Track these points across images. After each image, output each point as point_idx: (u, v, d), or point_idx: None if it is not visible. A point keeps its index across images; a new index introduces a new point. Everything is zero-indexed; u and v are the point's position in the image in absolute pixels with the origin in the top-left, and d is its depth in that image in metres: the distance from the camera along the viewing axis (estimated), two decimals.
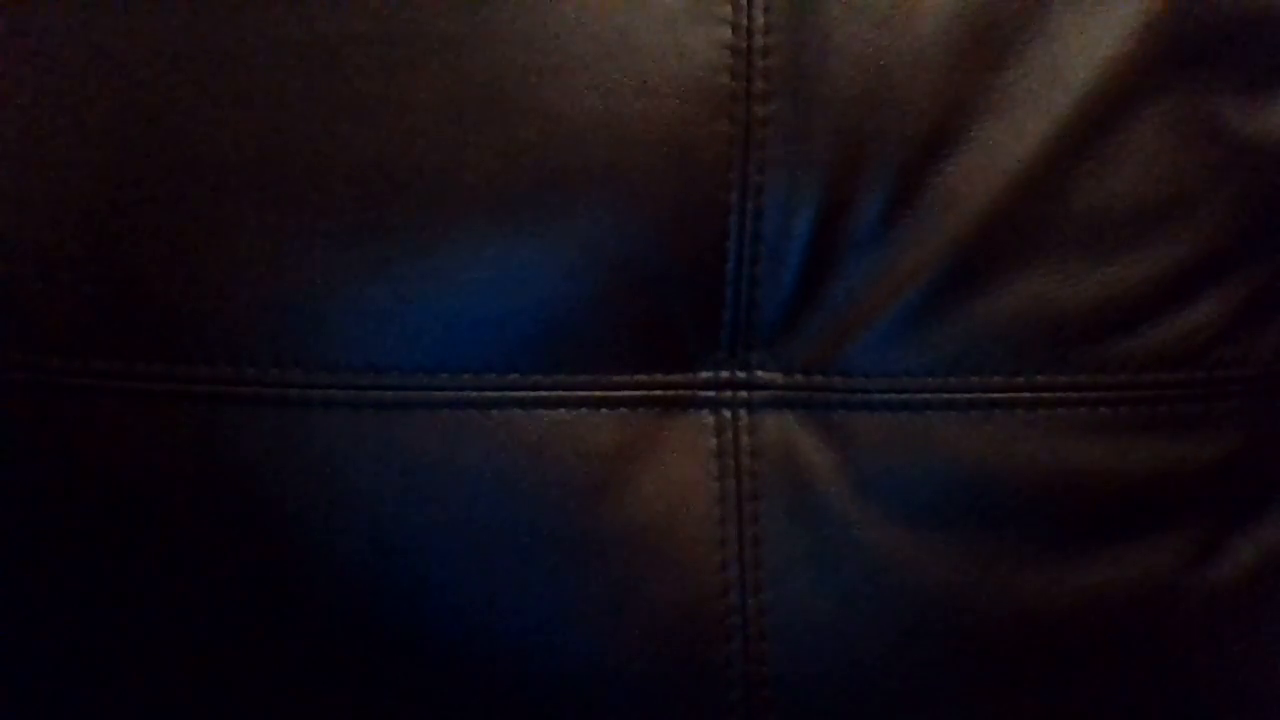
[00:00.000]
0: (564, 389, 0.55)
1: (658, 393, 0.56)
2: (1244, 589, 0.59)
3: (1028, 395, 0.56)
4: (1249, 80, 0.56)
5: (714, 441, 0.56)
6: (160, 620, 0.56)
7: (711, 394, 0.56)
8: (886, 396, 0.56)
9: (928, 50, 0.53)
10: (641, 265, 0.54)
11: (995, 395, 0.56)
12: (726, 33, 0.53)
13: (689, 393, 0.56)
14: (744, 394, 0.56)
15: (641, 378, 0.56)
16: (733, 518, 0.56)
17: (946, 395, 0.56)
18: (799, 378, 0.56)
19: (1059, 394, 0.56)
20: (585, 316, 0.54)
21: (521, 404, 0.54)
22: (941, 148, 0.53)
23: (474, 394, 0.54)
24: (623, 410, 0.55)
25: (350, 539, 0.54)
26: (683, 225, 0.53)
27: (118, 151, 0.53)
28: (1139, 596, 0.58)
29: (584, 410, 0.55)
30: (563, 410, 0.55)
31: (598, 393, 0.55)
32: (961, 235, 0.54)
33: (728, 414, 0.56)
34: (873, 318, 0.55)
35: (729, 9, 0.52)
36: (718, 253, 0.54)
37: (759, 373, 0.56)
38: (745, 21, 0.53)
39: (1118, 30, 0.54)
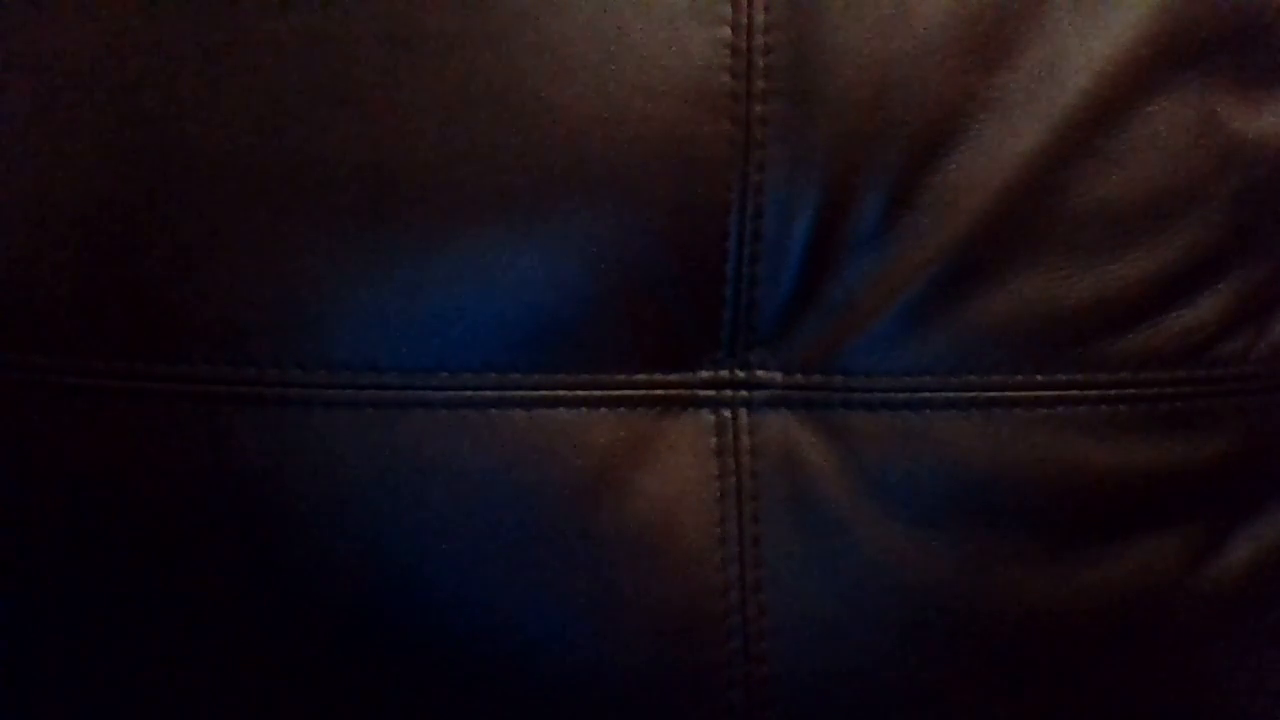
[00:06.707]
0: (564, 389, 0.55)
1: (658, 392, 0.56)
2: (1244, 586, 0.59)
3: (1028, 394, 0.56)
4: (1248, 80, 0.56)
5: (714, 441, 0.56)
6: (159, 620, 0.56)
7: (711, 393, 0.56)
8: (886, 396, 0.56)
9: (928, 50, 0.53)
10: (641, 265, 0.54)
11: (995, 394, 0.56)
12: (726, 32, 0.53)
13: (689, 392, 0.56)
14: (744, 393, 0.56)
15: (641, 377, 0.56)
16: (733, 517, 0.56)
17: (946, 394, 0.56)
18: (799, 377, 0.56)
19: (1059, 392, 0.56)
20: (585, 316, 0.54)
21: (521, 404, 0.54)
22: (941, 148, 0.53)
23: (474, 394, 0.54)
24: (622, 410, 0.55)
25: (350, 538, 0.54)
26: (683, 225, 0.53)
27: (118, 151, 0.53)
28: (1139, 594, 0.58)
29: (584, 410, 0.55)
30: (563, 410, 0.55)
31: (598, 392, 0.55)
32: (961, 235, 0.54)
33: (728, 413, 0.56)
34: (873, 317, 0.55)
35: (729, 8, 0.52)
36: (718, 252, 0.54)
37: (759, 372, 0.56)
38: (745, 21, 0.53)
39: (1117, 30, 0.54)
